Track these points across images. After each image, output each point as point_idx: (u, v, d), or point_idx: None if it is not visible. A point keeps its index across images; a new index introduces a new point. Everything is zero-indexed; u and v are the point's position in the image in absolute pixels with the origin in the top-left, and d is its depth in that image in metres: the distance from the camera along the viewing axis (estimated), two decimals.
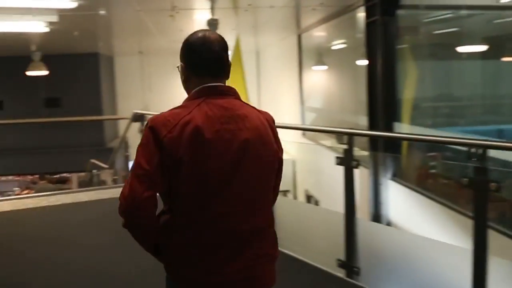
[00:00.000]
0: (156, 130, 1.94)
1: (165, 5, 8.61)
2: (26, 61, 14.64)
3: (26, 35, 11.72)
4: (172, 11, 8.84)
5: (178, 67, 2.19)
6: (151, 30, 11.87)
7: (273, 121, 2.19)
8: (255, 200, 2.06)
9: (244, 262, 2.03)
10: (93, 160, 10.72)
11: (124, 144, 9.05)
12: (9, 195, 17.33)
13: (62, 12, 8.92)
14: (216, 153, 1.96)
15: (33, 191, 13.55)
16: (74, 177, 19.46)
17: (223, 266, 2.00)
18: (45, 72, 14.74)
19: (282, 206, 5.31)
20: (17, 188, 18.52)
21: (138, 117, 8.60)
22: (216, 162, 1.96)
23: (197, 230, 1.99)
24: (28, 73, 14.58)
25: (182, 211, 2.00)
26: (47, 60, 14.96)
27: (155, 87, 17.44)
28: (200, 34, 2.11)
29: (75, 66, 16.79)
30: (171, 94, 19.66)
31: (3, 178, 19.30)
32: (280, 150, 2.17)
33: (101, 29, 12.21)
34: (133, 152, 2.41)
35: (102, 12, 8.80)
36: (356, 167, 4.06)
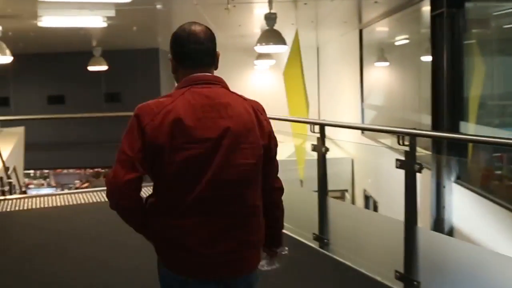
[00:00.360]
0: (140, 118, 2.05)
1: None
2: (87, 57, 14.80)
3: (85, 30, 11.76)
4: (228, 4, 8.58)
5: (169, 58, 2.25)
6: (209, 25, 11.64)
7: (262, 110, 2.26)
8: (235, 186, 2.10)
9: (225, 246, 2.09)
10: None
11: None
12: (69, 188, 17.69)
13: (119, 7, 8.83)
14: (196, 140, 2.04)
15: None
16: None
17: (204, 248, 2.07)
18: (105, 67, 14.86)
19: (337, 211, 4.99)
20: (77, 181, 18.86)
21: None
22: (196, 148, 2.04)
23: (178, 213, 2.07)
24: (89, 68, 14.72)
25: (164, 195, 2.10)
26: (108, 55, 15.08)
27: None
28: (185, 26, 2.20)
29: (135, 61, 16.86)
30: (233, 90, 19.48)
31: (65, 171, 19.70)
32: (267, 137, 2.21)
33: (160, 24, 12.11)
34: None
35: (158, 6, 8.66)
36: (419, 171, 3.68)
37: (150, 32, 13.53)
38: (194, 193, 2.05)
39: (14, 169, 9.88)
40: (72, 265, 4.82)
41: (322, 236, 4.86)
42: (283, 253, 2.45)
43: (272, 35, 9.20)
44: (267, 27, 9.16)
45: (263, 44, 9.35)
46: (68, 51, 15.74)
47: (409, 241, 3.80)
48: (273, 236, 2.39)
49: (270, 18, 9.07)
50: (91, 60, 14.68)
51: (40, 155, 16.59)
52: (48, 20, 10.04)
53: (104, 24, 10.47)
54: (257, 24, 11.68)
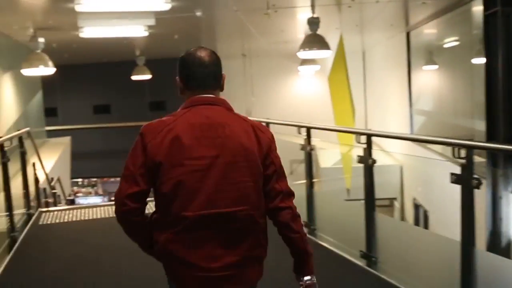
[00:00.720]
0: (143, 136, 2.20)
1: (261, 4, 8.10)
2: (131, 66, 14.78)
3: (128, 40, 11.71)
4: (268, 9, 8.31)
5: (177, 80, 2.37)
6: (252, 31, 11.45)
7: (265, 129, 2.32)
8: (233, 202, 2.16)
9: (225, 261, 2.16)
10: None
11: None
12: None
13: (158, 15, 8.68)
14: (193, 157, 2.14)
15: None
16: None
17: (204, 263, 2.15)
18: (149, 76, 14.82)
19: (386, 227, 4.63)
20: None
21: None
22: (192, 166, 2.14)
23: (178, 228, 2.15)
24: (133, 77, 14.71)
25: (164, 211, 2.19)
26: (151, 64, 15.04)
27: (257, 90, 17.06)
28: (192, 51, 2.34)
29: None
30: (274, 97, 19.32)
31: (112, 179, 19.81)
32: (266, 156, 2.25)
33: (201, 31, 11.95)
34: None
35: (198, 13, 8.46)
36: (477, 187, 3.29)
37: (192, 40, 13.39)
38: (191, 209, 2.14)
39: (59, 180, 9.85)
40: (109, 280, 4.62)
41: (369, 254, 4.51)
42: (308, 282, 2.32)
43: (315, 40, 8.88)
44: (310, 32, 8.86)
45: (306, 49, 9.04)
46: (112, 61, 15.81)
47: (466, 264, 3.40)
48: (298, 262, 2.34)
49: (313, 22, 8.76)
50: (135, 69, 14.67)
51: (87, 164, 16.72)
52: (89, 31, 10.00)
53: (146, 33, 10.37)
54: (301, 29, 11.39)
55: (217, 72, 2.37)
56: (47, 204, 8.55)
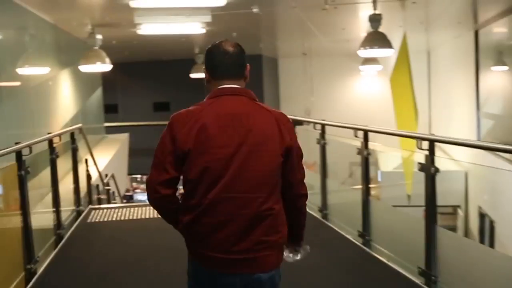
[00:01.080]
0: (172, 126, 2.31)
1: (319, 0, 7.73)
2: (190, 64, 14.67)
3: (186, 37, 11.56)
4: (326, 5, 7.91)
5: (203, 70, 2.50)
6: (311, 29, 11.07)
7: (286, 120, 2.38)
8: (252, 189, 2.27)
9: (244, 244, 2.26)
10: None
11: None
12: None
13: (214, 11, 8.46)
14: (218, 146, 2.25)
15: None
16: None
17: (224, 245, 2.26)
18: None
19: (448, 243, 4.18)
20: (181, 187, 18.87)
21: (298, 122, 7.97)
22: (217, 154, 2.24)
23: (201, 211, 2.27)
24: (192, 75, 14.59)
25: (190, 195, 2.30)
26: None
27: (317, 90, 16.64)
28: (217, 42, 2.44)
29: None
30: (333, 98, 18.83)
31: None
32: (288, 147, 2.32)
33: (261, 29, 11.66)
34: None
35: (255, 10, 8.17)
36: None
37: (251, 38, 13.13)
38: (213, 194, 2.25)
39: (113, 176, 9.78)
40: (151, 284, 4.40)
41: (428, 272, 4.07)
42: (302, 251, 2.61)
43: (376, 38, 8.43)
44: (371, 30, 8.41)
45: (367, 47, 8.60)
46: (172, 58, 15.76)
47: None
48: (295, 236, 2.54)
49: (375, 19, 8.31)
50: (193, 67, 14.54)
51: (146, 160, 16.71)
52: (146, 28, 9.88)
53: (203, 31, 10.17)
54: (362, 27, 10.93)
55: (241, 62, 2.45)
56: (100, 201, 8.47)
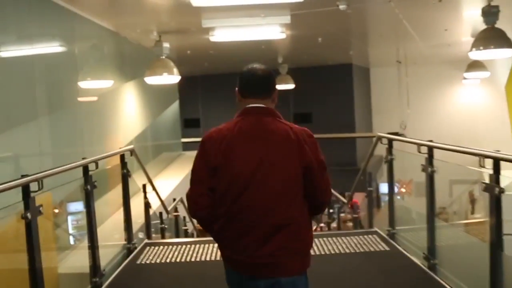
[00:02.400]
0: (205, 144, 2.58)
1: None
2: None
3: (265, 44, 10.27)
4: None
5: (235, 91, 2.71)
6: (408, 30, 9.42)
7: (308, 136, 2.58)
8: (272, 199, 2.47)
9: (269, 249, 2.45)
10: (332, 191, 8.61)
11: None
12: None
13: (293, 10, 7.06)
14: (243, 160, 2.50)
15: None
16: None
17: (249, 250, 2.47)
18: (292, 86, 13.29)
19: None
20: None
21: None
22: (242, 167, 2.49)
23: (228, 218, 2.51)
24: (276, 86, 13.24)
25: (219, 204, 2.53)
26: (295, 73, 13.51)
27: (413, 102, 14.79)
28: (249, 66, 2.68)
29: (325, 79, 15.13)
30: (432, 109, 16.84)
31: None
32: (308, 161, 2.51)
33: (349, 33, 10.11)
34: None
35: (342, 7, 6.68)
36: None
37: (339, 43, 11.61)
38: (238, 203, 2.48)
39: (182, 201, 8.58)
40: None
41: None
42: None
43: (493, 36, 6.70)
44: (485, 26, 6.71)
45: (480, 48, 6.89)
46: None
47: None
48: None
49: (490, 12, 6.61)
50: (277, 78, 13.20)
51: None
52: (219, 34, 8.68)
53: (283, 35, 8.82)
54: (467, 28, 9.20)
55: (268, 83, 2.67)
56: (163, 232, 7.27)
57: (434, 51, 12.86)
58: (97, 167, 4.61)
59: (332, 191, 8.00)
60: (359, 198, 18.14)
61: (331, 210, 9.77)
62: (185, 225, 9.18)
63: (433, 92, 16.37)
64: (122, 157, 5.72)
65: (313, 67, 14.78)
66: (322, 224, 10.43)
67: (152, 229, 7.08)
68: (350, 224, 9.13)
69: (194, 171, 2.58)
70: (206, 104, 16.17)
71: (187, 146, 13.32)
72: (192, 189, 2.58)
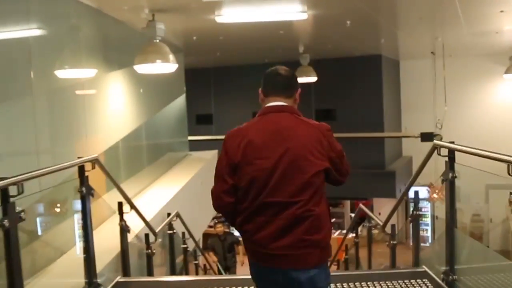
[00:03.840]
0: (226, 143, 2.67)
1: None
2: (294, 67, 11.54)
3: (284, 28, 8.52)
4: None
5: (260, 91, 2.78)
6: (457, 12, 7.59)
7: (327, 131, 2.67)
8: (293, 194, 2.53)
9: (286, 242, 2.53)
10: (360, 204, 6.83)
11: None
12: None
13: None
14: (263, 157, 2.57)
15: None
16: (347, 206, 16.06)
17: (270, 242, 2.55)
18: (314, 79, 11.50)
19: None
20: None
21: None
22: (262, 164, 2.56)
23: (250, 212, 2.59)
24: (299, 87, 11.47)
25: (241, 200, 2.63)
26: (318, 64, 11.72)
27: (451, 98, 12.92)
28: (273, 68, 2.76)
29: (352, 72, 13.33)
30: (470, 108, 14.88)
31: None
32: (327, 157, 2.62)
33: (380, 11, 8.22)
34: None
35: None
36: None
37: (369, 30, 9.81)
38: (260, 199, 2.56)
39: (178, 216, 6.89)
40: None
41: None
42: None
43: None
44: None
45: None
46: (273, 61, 12.70)
47: None
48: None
49: None
50: (297, 70, 11.40)
51: None
52: (228, 14, 6.97)
53: (304, 16, 7.08)
54: None
55: (290, 83, 2.73)
56: (150, 261, 5.59)
57: (476, 40, 11.00)
58: (21, 191, 2.97)
59: (364, 208, 6.24)
60: (383, 205, 16.35)
61: (359, 229, 7.99)
62: (184, 243, 7.51)
63: (471, 87, 14.46)
64: (82, 170, 4.09)
65: (338, 58, 12.97)
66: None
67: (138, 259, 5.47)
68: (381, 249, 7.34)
69: (217, 168, 2.67)
70: (220, 99, 14.47)
71: (197, 145, 11.65)
72: (216, 186, 2.67)
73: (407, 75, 15.08)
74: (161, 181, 8.32)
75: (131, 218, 4.99)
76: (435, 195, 13.63)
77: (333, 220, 15.67)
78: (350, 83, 13.43)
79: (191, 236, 7.68)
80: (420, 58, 14.27)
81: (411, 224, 4.92)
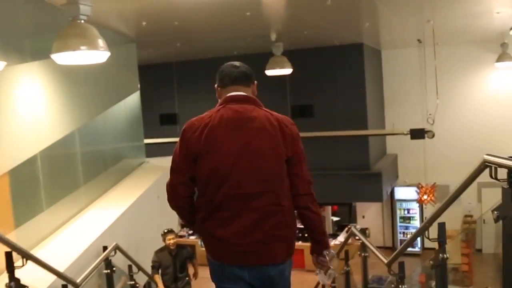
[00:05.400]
0: (184, 132, 2.47)
1: None
2: (265, 58, 9.88)
3: (252, 8, 6.89)
4: None
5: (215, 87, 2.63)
6: None
7: (289, 123, 2.54)
8: (259, 185, 2.40)
9: (255, 237, 2.40)
10: (352, 227, 5.19)
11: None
12: None
13: None
14: (225, 147, 2.41)
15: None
16: (328, 210, 14.44)
17: (233, 239, 2.40)
18: (289, 70, 9.85)
19: None
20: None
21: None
22: (224, 154, 2.40)
23: (213, 207, 2.42)
24: (268, 72, 9.80)
25: (201, 194, 2.47)
26: (292, 55, 10.08)
27: (443, 90, 11.39)
28: (227, 63, 2.63)
29: (331, 63, 11.76)
30: (461, 100, 13.41)
31: None
32: (290, 147, 2.47)
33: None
34: None
35: None
36: None
37: (352, 11, 8.21)
38: (222, 191, 2.38)
39: (118, 249, 5.20)
40: None
41: None
42: (329, 254, 2.59)
43: None
44: None
45: None
46: (241, 53, 11.07)
47: None
48: (316, 242, 2.61)
49: None
50: (270, 61, 9.76)
51: None
52: None
53: None
54: None
55: (247, 73, 2.59)
56: None
57: (470, 23, 9.55)
58: None
59: (357, 233, 4.58)
60: (366, 207, 14.82)
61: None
62: (132, 279, 5.82)
63: (461, 78, 13.03)
64: None
65: (315, 48, 11.38)
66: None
67: None
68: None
69: (174, 160, 2.49)
70: (184, 97, 12.76)
71: (162, 149, 9.95)
72: (171, 178, 2.50)
73: (390, 66, 13.59)
74: (104, 200, 6.60)
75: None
76: (425, 197, 12.19)
77: None
78: (330, 76, 11.87)
79: (140, 269, 6.01)
80: (404, 47, 12.81)
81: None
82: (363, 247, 4.83)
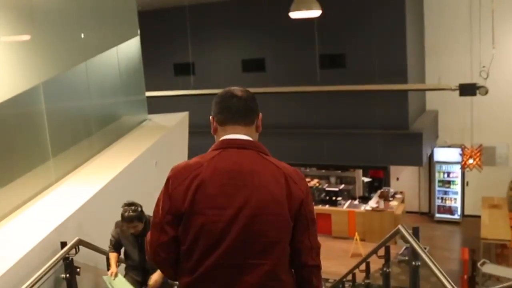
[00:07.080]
0: (169, 182, 1.97)
1: None
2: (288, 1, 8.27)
3: None
4: None
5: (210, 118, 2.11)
6: None
7: (298, 178, 2.00)
8: (256, 255, 1.92)
9: None
10: (402, 229, 3.72)
11: None
12: None
13: None
14: (216, 207, 1.91)
15: None
16: (358, 174, 12.98)
17: None
18: (318, 12, 8.23)
19: None
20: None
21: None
22: (215, 215, 1.91)
23: (197, 277, 1.94)
24: (292, 14, 8.20)
25: (186, 258, 1.98)
26: None
27: (500, 39, 9.62)
28: (226, 89, 2.09)
29: (366, 5, 10.07)
30: None
31: None
32: (297, 209, 1.97)
33: None
34: None
35: None
36: None
37: None
38: (211, 260, 1.92)
39: (78, 246, 3.87)
40: None
41: None
42: None
43: None
44: None
45: None
46: None
47: None
48: None
49: None
50: (294, 1, 8.17)
51: None
52: None
53: None
54: None
55: (250, 105, 2.03)
56: None
57: None
58: None
59: (405, 233, 3.21)
60: (404, 171, 13.28)
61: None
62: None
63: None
64: None
65: None
66: None
67: None
68: None
69: (155, 214, 2.02)
70: (199, 44, 11.26)
71: (177, 102, 8.60)
72: (152, 235, 2.02)
73: (434, 8, 11.75)
74: (84, 171, 5.25)
75: None
76: (471, 161, 10.59)
77: (341, 186, 12.81)
78: (364, 20, 10.20)
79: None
80: None
81: None
82: (414, 254, 3.39)
